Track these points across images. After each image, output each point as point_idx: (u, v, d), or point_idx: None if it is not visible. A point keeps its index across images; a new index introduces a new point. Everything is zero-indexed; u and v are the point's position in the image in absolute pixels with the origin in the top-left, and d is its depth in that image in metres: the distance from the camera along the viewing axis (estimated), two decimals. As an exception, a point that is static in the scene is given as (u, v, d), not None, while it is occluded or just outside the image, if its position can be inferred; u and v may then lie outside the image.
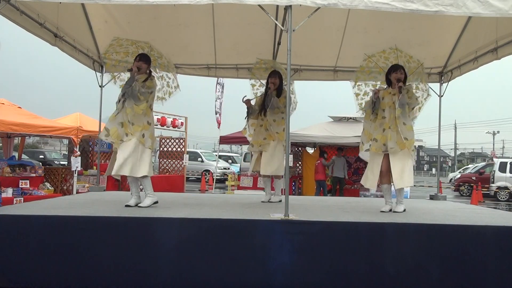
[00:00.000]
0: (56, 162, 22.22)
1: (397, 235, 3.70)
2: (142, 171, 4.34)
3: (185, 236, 3.66)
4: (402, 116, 4.47)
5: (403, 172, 4.44)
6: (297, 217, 3.76)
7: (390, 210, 4.55)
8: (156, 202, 4.49)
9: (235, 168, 22.56)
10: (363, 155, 5.17)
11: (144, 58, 4.54)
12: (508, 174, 17.83)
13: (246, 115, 5.43)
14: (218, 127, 13.94)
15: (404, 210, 4.53)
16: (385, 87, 4.77)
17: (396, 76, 4.53)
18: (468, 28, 6.07)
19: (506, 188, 17.71)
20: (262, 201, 5.35)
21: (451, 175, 28.96)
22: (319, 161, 12.25)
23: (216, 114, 13.91)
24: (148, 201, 4.42)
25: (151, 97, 4.53)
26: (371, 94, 4.88)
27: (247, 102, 5.36)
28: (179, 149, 13.24)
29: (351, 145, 11.83)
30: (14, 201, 7.63)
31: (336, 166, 12.07)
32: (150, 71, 4.63)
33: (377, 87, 4.98)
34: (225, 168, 22.25)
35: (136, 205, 4.40)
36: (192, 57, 7.00)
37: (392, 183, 4.60)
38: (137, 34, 6.44)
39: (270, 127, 5.18)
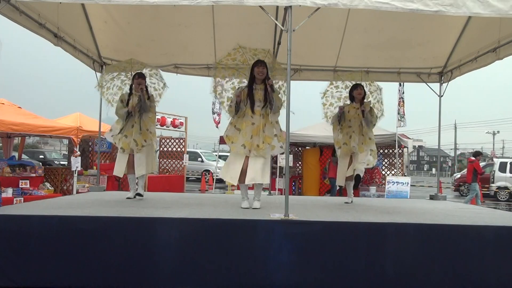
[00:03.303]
0: (56, 162, 22.22)
1: (397, 235, 3.70)
2: (155, 167, 5.59)
3: (185, 236, 3.66)
4: (369, 131, 5.49)
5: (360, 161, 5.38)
6: (297, 217, 3.76)
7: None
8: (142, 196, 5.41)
9: (235, 168, 22.49)
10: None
11: (141, 76, 5.28)
12: (508, 174, 17.82)
13: (234, 111, 4.60)
14: (217, 126, 13.92)
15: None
16: (349, 102, 5.65)
17: (357, 92, 5.49)
18: (468, 28, 6.08)
19: (506, 188, 17.70)
20: (245, 208, 4.60)
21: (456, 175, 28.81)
22: (330, 160, 12.17)
23: (213, 114, 13.88)
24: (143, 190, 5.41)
25: (155, 108, 5.51)
26: (335, 105, 5.90)
27: (240, 95, 4.58)
28: (179, 149, 13.24)
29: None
30: (14, 201, 7.63)
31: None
32: (146, 87, 5.36)
33: (341, 102, 5.91)
34: (225, 168, 22.20)
35: (135, 196, 5.32)
36: (192, 57, 7.00)
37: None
38: (137, 34, 6.48)
39: (269, 129, 4.56)
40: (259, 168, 4.52)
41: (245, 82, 4.90)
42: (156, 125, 11.82)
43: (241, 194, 4.80)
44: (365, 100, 5.55)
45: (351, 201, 5.72)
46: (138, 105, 5.18)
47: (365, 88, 5.62)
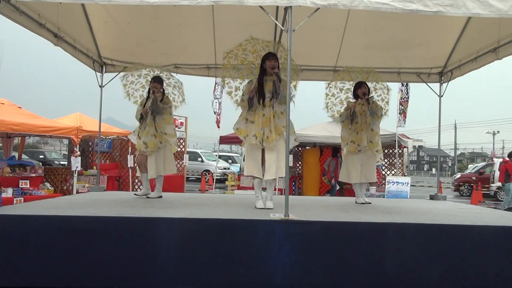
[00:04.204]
0: (56, 162, 22.22)
1: (397, 235, 3.71)
2: (174, 169, 5.73)
3: (185, 236, 3.66)
4: (372, 123, 5.51)
5: (372, 170, 5.54)
6: (297, 217, 3.76)
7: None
8: (160, 197, 5.59)
9: (235, 168, 22.56)
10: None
11: (157, 80, 5.51)
12: (508, 174, 17.81)
13: (248, 106, 4.61)
14: (218, 127, 13.91)
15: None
16: (353, 100, 5.67)
17: (361, 91, 5.52)
18: (468, 28, 6.08)
19: (506, 188, 17.68)
20: (260, 208, 4.55)
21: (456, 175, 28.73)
22: (330, 161, 12.09)
23: (214, 114, 13.86)
24: (157, 194, 5.58)
25: (172, 110, 5.60)
26: (336, 95, 6.05)
27: (253, 90, 4.59)
28: (179, 149, 13.24)
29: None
30: (14, 201, 7.63)
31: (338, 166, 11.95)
32: (163, 89, 5.63)
33: (342, 93, 6.05)
34: (225, 168, 22.25)
35: (145, 195, 5.55)
36: (192, 57, 7.00)
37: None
38: (137, 34, 6.48)
39: (278, 120, 4.56)
40: (273, 162, 4.49)
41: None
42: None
43: (255, 193, 4.72)
44: (370, 95, 5.64)
45: (365, 202, 5.57)
46: (150, 107, 5.35)
47: (370, 84, 5.73)
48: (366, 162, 5.51)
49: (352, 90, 6.00)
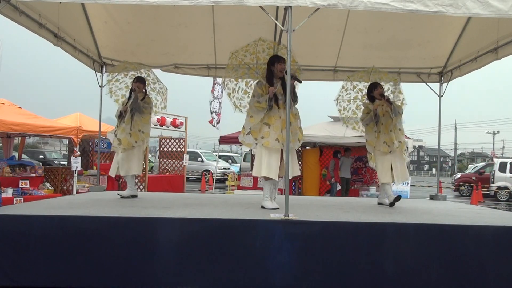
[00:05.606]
0: (56, 162, 22.21)
1: (397, 235, 3.71)
2: (139, 170, 5.59)
3: (185, 236, 3.66)
4: (398, 123, 5.38)
5: (404, 170, 5.36)
6: (297, 217, 3.76)
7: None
8: (135, 196, 5.54)
9: (235, 168, 22.57)
10: (371, 164, 5.72)
11: (139, 80, 5.59)
12: (508, 174, 17.83)
13: (267, 107, 4.49)
14: (215, 126, 13.89)
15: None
16: (369, 102, 5.50)
17: (378, 92, 5.37)
18: (468, 28, 6.08)
19: (506, 188, 17.72)
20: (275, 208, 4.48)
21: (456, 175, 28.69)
22: (335, 162, 12.06)
23: (212, 113, 13.84)
24: (130, 192, 5.49)
25: (151, 110, 5.66)
26: (347, 108, 6.04)
27: (273, 91, 4.52)
28: (179, 149, 13.24)
29: (353, 145, 11.82)
30: (14, 201, 7.63)
31: (343, 167, 11.92)
32: (146, 90, 5.66)
33: (351, 103, 6.01)
34: (225, 168, 22.26)
35: (130, 196, 5.44)
36: (192, 57, 7.00)
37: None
38: (137, 34, 6.49)
39: (296, 121, 4.60)
40: (293, 162, 4.52)
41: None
42: (156, 125, 11.99)
43: (266, 193, 4.62)
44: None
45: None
46: (130, 105, 5.39)
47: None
48: (398, 163, 5.32)
49: (359, 97, 6.01)
